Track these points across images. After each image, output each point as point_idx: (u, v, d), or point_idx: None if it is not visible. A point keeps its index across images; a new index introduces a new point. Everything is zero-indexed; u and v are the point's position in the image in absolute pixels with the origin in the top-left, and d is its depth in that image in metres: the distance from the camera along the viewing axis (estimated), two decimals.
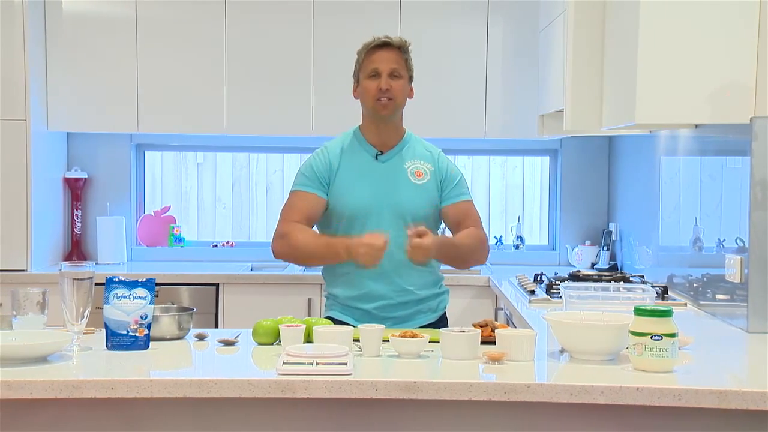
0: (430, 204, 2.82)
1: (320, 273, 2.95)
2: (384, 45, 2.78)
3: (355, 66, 2.84)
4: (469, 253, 2.82)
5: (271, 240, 2.81)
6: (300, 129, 4.49)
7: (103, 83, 4.45)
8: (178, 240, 4.88)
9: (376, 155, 2.82)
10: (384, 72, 2.75)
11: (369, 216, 2.76)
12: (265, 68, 4.47)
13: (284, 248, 2.76)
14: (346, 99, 2.95)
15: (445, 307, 2.93)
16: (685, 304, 3.22)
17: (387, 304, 2.78)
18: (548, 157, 4.97)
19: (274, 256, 2.82)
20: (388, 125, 2.82)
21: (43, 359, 2.13)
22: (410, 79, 2.83)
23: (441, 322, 2.87)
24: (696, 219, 3.38)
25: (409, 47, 2.82)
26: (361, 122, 2.88)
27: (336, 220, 2.80)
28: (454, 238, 2.83)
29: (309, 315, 4.12)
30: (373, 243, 2.58)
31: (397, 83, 2.76)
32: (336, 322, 2.67)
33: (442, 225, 2.94)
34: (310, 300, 4.18)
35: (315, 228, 2.84)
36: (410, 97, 2.86)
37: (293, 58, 4.47)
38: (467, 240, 2.80)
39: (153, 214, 4.92)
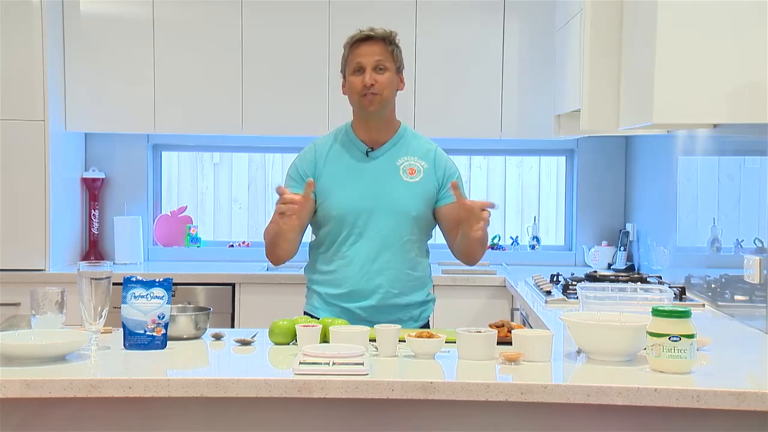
0: (423, 203, 2.73)
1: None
2: (367, 38, 2.69)
3: (342, 61, 2.77)
4: (482, 246, 2.73)
5: None
6: (316, 129, 4.46)
7: (121, 84, 4.47)
8: (195, 240, 4.90)
9: (367, 152, 2.75)
10: (368, 66, 2.67)
11: (358, 216, 2.70)
12: (281, 69, 4.48)
13: (265, 250, 2.77)
14: None
15: (428, 317, 2.84)
16: (703, 305, 3.21)
17: (369, 306, 2.71)
18: (564, 157, 4.96)
19: (274, 264, 2.83)
20: (379, 121, 2.74)
21: (61, 358, 2.14)
22: (399, 70, 2.74)
23: None
24: (714, 219, 3.36)
25: (397, 38, 2.74)
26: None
27: (325, 221, 2.74)
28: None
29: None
30: (283, 198, 2.50)
31: (383, 77, 2.68)
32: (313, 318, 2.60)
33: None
34: None
35: (310, 230, 2.84)
36: (400, 89, 2.77)
37: (309, 58, 4.47)
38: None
39: (169, 214, 4.94)
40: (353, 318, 2.66)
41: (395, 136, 2.78)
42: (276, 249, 2.72)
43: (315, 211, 2.75)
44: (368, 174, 2.73)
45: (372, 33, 2.71)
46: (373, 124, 2.75)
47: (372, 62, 2.68)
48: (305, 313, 2.80)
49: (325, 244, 2.77)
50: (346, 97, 2.78)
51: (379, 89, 2.68)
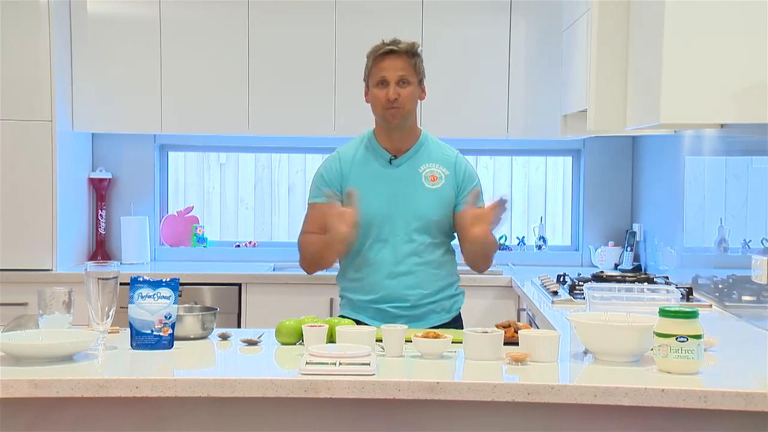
0: (443, 208, 2.80)
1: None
2: (391, 52, 2.74)
3: (365, 71, 2.82)
4: (491, 253, 2.84)
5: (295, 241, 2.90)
6: (322, 129, 4.50)
7: (128, 84, 4.48)
8: (201, 240, 4.91)
9: (390, 160, 2.82)
10: (392, 80, 2.73)
11: (383, 222, 2.77)
12: (287, 69, 4.48)
13: (301, 261, 2.85)
14: None
15: (460, 308, 2.91)
16: (711, 306, 3.20)
17: (400, 306, 2.78)
18: (571, 158, 4.95)
19: (308, 273, 2.88)
20: (402, 131, 2.81)
21: (68, 358, 2.15)
22: (420, 81, 2.80)
23: (455, 323, 2.86)
24: (721, 219, 3.35)
25: (419, 49, 2.79)
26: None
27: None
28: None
29: (331, 315, 4.12)
30: (337, 213, 2.62)
31: (406, 90, 2.74)
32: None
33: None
34: (332, 300, 4.18)
35: None
36: (422, 98, 2.84)
37: (315, 58, 4.48)
38: (494, 245, 2.83)
39: (176, 214, 4.95)
40: (388, 317, 2.73)
41: (417, 144, 2.84)
42: (321, 261, 2.80)
43: None
44: (392, 181, 2.79)
45: (395, 47, 2.75)
46: (396, 133, 2.82)
47: (395, 77, 2.74)
48: (341, 317, 2.82)
49: (352, 251, 2.82)
50: (369, 105, 2.83)
51: (402, 103, 2.74)
